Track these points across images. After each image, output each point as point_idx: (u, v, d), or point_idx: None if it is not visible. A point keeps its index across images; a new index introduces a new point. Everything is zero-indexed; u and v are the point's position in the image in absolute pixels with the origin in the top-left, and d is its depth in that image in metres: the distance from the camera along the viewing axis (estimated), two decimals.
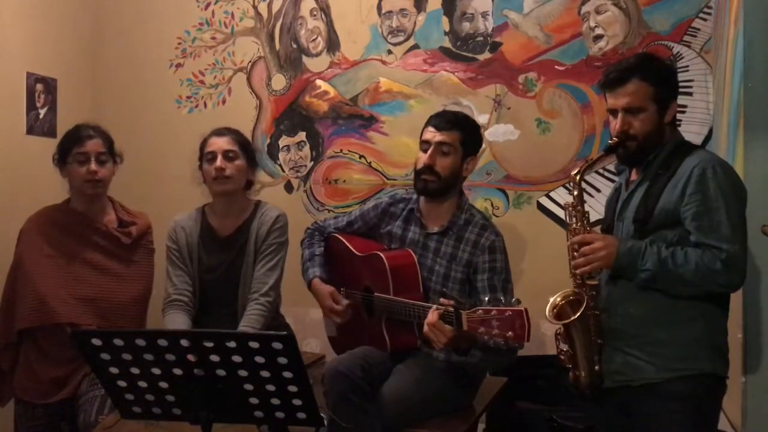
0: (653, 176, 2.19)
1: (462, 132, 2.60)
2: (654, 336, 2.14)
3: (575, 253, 2.19)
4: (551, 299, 2.20)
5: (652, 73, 2.18)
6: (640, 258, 2.09)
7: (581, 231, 2.22)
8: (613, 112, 2.22)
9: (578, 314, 2.13)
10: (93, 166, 2.76)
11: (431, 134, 2.60)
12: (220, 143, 2.82)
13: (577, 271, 2.18)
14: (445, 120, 2.61)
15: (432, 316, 2.29)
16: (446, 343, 2.27)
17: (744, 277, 2.08)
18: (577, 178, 2.24)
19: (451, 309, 2.22)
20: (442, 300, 2.31)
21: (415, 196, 2.72)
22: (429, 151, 2.58)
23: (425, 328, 2.31)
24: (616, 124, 2.21)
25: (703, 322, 2.12)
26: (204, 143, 2.87)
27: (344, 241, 2.80)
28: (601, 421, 2.40)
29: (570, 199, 2.27)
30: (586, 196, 2.28)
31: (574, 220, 2.24)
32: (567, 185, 3.29)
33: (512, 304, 2.14)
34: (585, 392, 2.22)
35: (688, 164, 2.12)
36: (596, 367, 2.20)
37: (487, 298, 2.24)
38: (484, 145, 3.43)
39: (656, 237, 2.13)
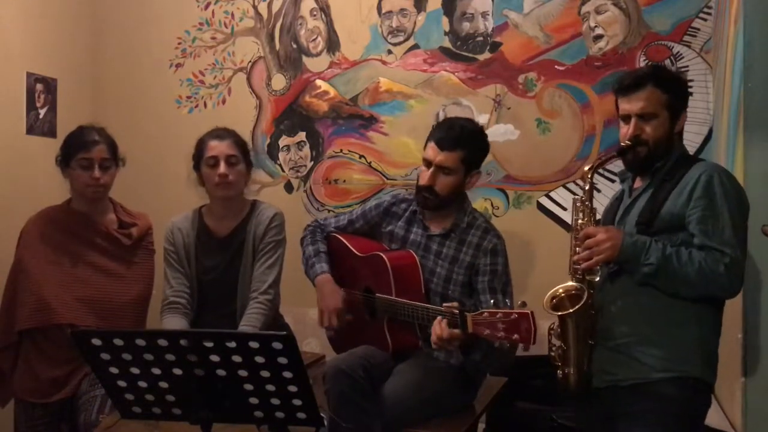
0: (659, 183, 2.20)
1: (465, 150, 2.54)
2: (647, 336, 2.14)
3: (578, 248, 2.19)
4: (552, 290, 2.18)
5: (666, 82, 2.21)
6: (645, 252, 2.09)
7: (587, 226, 2.21)
8: (626, 117, 2.24)
9: (577, 307, 2.12)
10: (96, 173, 2.75)
11: (433, 153, 2.54)
12: (222, 148, 2.77)
13: (582, 265, 2.17)
14: (448, 138, 2.53)
15: (440, 327, 2.26)
16: (455, 347, 2.29)
17: (742, 283, 2.10)
18: (590, 174, 2.25)
19: (456, 312, 2.22)
20: (445, 305, 2.30)
21: None
22: (430, 172, 2.55)
23: (434, 339, 2.28)
24: (627, 129, 2.22)
25: (696, 326, 2.12)
26: (203, 145, 2.81)
27: (344, 240, 2.79)
28: (584, 423, 2.39)
29: (580, 193, 2.27)
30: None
31: (581, 215, 2.24)
32: (566, 185, 3.31)
33: (518, 307, 2.12)
34: (573, 391, 2.21)
35: (694, 172, 2.15)
36: (585, 367, 2.19)
37: (492, 301, 2.23)
38: None
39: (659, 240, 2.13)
